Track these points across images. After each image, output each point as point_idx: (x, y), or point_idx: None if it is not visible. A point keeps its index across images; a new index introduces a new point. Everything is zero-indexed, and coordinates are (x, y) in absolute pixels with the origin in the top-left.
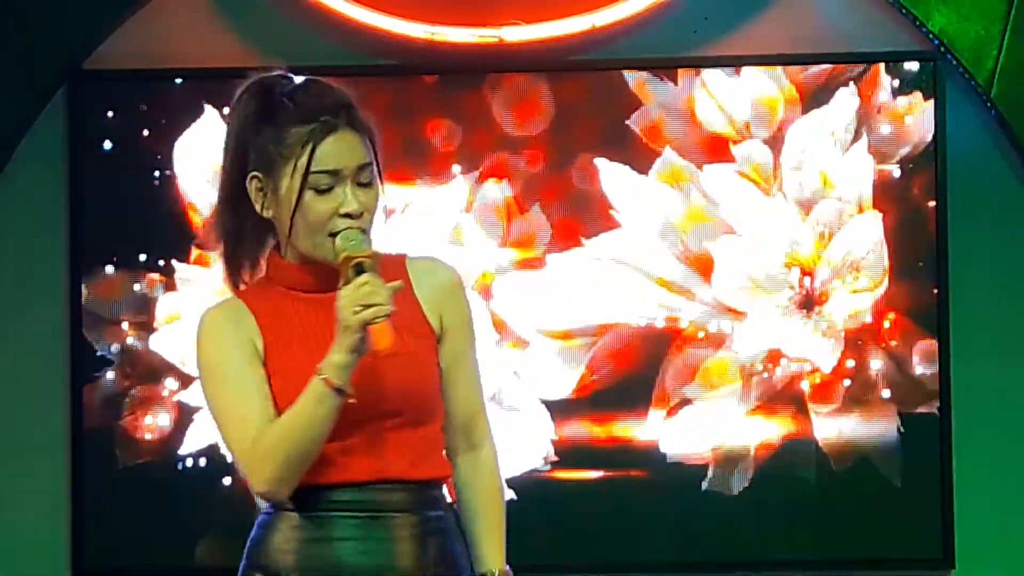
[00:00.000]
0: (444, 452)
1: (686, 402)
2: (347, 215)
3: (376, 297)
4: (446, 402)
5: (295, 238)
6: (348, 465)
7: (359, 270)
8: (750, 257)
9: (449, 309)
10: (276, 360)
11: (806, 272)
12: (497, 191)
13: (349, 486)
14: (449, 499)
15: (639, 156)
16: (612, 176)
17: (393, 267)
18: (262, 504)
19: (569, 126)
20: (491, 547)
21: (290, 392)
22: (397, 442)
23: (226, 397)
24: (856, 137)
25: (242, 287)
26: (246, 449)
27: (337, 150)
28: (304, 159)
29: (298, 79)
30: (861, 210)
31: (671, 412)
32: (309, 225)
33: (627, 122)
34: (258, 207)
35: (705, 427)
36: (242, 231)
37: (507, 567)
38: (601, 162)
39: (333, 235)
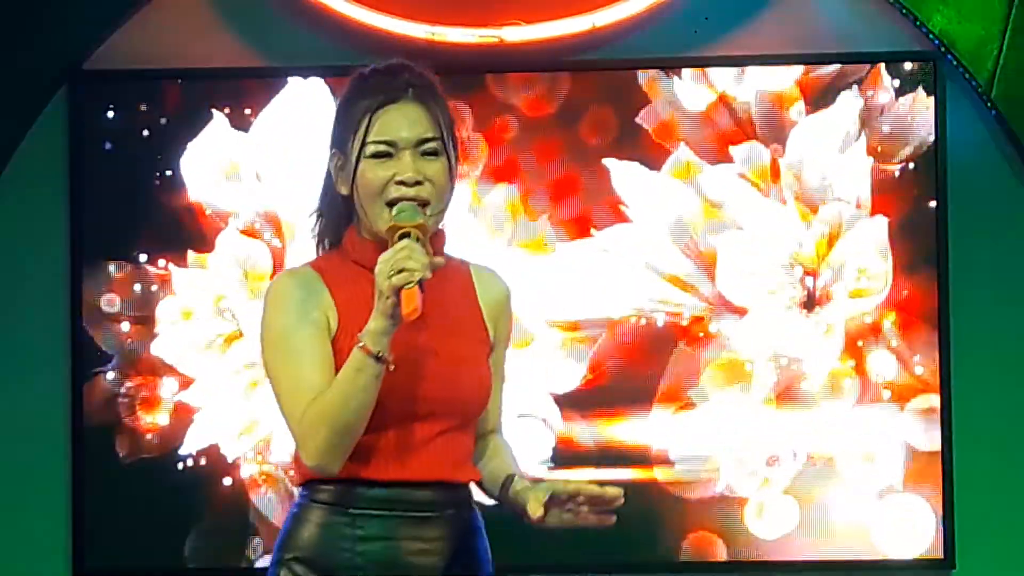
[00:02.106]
0: None
1: (689, 401)
2: (401, 182)
3: (409, 262)
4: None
5: (360, 210)
6: (389, 464)
7: (403, 238)
8: (752, 257)
9: (502, 322)
10: (346, 339)
11: (808, 272)
12: (502, 192)
13: (381, 484)
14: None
15: (648, 153)
16: (622, 173)
17: (457, 271)
18: (292, 487)
19: (572, 125)
20: (519, 474)
21: None
22: (440, 445)
23: (286, 367)
24: (857, 137)
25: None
26: (297, 420)
27: (396, 120)
28: (363, 128)
29: (389, 62)
30: (859, 207)
31: (675, 410)
32: (367, 193)
33: (636, 119)
34: (336, 184)
35: (708, 426)
36: (328, 208)
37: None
38: (610, 162)
39: (390, 204)
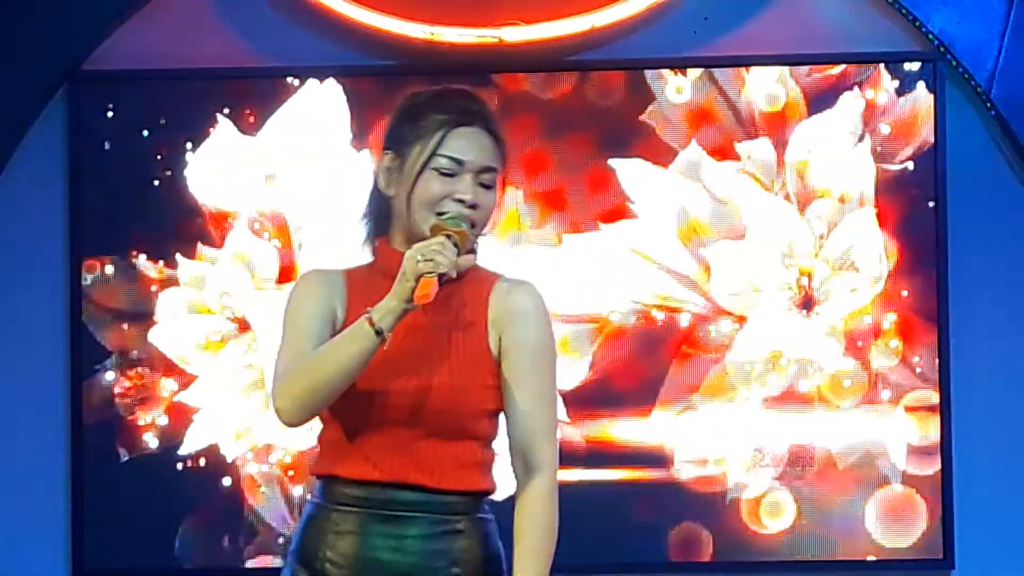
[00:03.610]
0: (489, 468)
1: (691, 400)
2: (460, 200)
3: (440, 256)
4: (506, 422)
5: (408, 213)
6: (368, 463)
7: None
8: (753, 256)
9: (513, 330)
10: None
11: (809, 272)
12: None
13: (373, 484)
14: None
15: (650, 151)
16: (628, 171)
17: (480, 282)
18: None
19: (574, 124)
20: (523, 570)
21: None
22: (424, 452)
23: (287, 335)
24: (858, 138)
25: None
26: (281, 370)
27: (468, 142)
28: (435, 140)
29: (463, 87)
30: (860, 206)
31: (677, 413)
32: (422, 202)
33: (640, 117)
34: (383, 183)
35: (708, 426)
36: (374, 208)
37: None
38: (616, 162)
39: (440, 215)
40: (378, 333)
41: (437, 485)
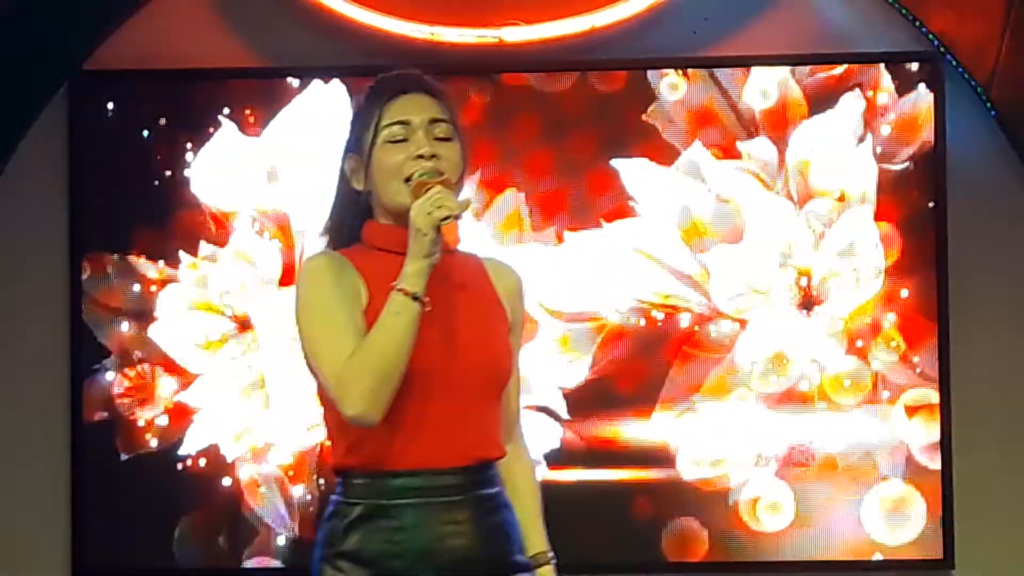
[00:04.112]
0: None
1: (692, 401)
2: (419, 156)
3: (446, 201)
4: None
5: (380, 194)
6: (418, 450)
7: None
8: (754, 256)
9: (515, 308)
10: (374, 311)
11: (809, 272)
12: (508, 194)
13: (417, 473)
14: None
15: (653, 150)
16: (630, 170)
17: (470, 260)
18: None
19: (574, 124)
20: (535, 532)
21: None
22: (463, 426)
23: (323, 331)
24: (858, 138)
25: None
26: (336, 374)
27: (406, 104)
28: (377, 116)
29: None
30: (861, 206)
31: (678, 413)
32: (386, 174)
33: (643, 116)
34: (353, 183)
35: (709, 426)
36: (343, 212)
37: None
38: (618, 162)
39: (408, 180)
40: (415, 299)
41: (483, 456)
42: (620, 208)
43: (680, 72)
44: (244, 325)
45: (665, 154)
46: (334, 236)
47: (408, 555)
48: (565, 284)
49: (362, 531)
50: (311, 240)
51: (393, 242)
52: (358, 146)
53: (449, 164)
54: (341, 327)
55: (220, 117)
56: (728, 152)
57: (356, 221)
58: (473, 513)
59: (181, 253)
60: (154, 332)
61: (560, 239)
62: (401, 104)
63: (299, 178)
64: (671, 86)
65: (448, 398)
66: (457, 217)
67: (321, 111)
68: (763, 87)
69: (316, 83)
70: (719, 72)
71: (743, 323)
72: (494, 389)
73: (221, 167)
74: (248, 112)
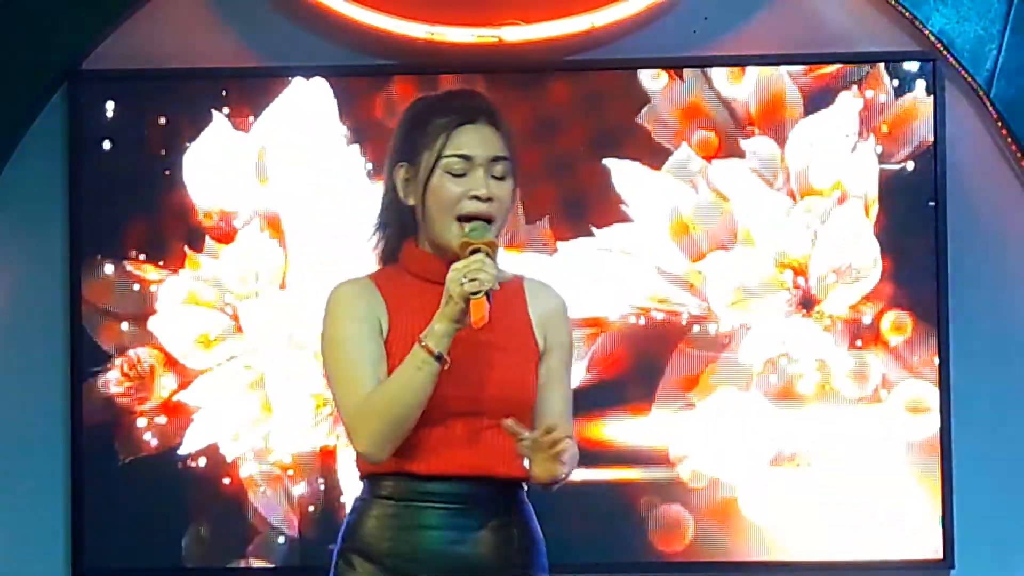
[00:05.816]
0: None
1: (689, 401)
2: (475, 197)
3: (482, 273)
4: (537, 416)
5: (427, 221)
6: (444, 458)
7: (474, 254)
8: (750, 256)
9: (554, 330)
10: (397, 342)
11: (807, 272)
12: None
13: (443, 478)
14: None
15: (648, 152)
16: (622, 173)
17: (510, 287)
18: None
19: (573, 124)
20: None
21: None
22: (492, 441)
23: (342, 364)
24: (856, 138)
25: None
26: (352, 411)
27: (472, 138)
28: (440, 142)
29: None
30: (861, 206)
31: (675, 411)
32: (439, 205)
33: (636, 119)
34: (402, 194)
35: (707, 426)
36: (392, 220)
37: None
38: (610, 162)
39: (460, 219)
40: (438, 358)
41: (503, 473)
42: (612, 211)
43: (673, 73)
44: (243, 324)
45: (658, 155)
46: (387, 241)
47: (427, 556)
48: (559, 289)
49: (378, 529)
50: (310, 240)
51: (428, 270)
52: (413, 158)
53: (500, 205)
54: (360, 364)
55: (219, 117)
56: (723, 152)
57: (399, 231)
58: (499, 524)
59: (180, 253)
60: (153, 332)
61: (554, 248)
62: (468, 136)
63: (298, 178)
64: (665, 86)
65: (470, 420)
66: (487, 293)
67: (321, 111)
68: (760, 87)
69: (309, 81)
70: (715, 71)
71: (741, 323)
72: (519, 413)
73: (221, 167)
74: (248, 112)
